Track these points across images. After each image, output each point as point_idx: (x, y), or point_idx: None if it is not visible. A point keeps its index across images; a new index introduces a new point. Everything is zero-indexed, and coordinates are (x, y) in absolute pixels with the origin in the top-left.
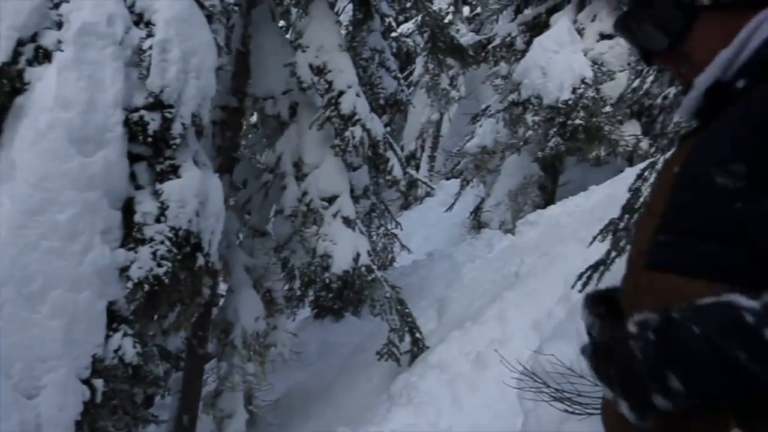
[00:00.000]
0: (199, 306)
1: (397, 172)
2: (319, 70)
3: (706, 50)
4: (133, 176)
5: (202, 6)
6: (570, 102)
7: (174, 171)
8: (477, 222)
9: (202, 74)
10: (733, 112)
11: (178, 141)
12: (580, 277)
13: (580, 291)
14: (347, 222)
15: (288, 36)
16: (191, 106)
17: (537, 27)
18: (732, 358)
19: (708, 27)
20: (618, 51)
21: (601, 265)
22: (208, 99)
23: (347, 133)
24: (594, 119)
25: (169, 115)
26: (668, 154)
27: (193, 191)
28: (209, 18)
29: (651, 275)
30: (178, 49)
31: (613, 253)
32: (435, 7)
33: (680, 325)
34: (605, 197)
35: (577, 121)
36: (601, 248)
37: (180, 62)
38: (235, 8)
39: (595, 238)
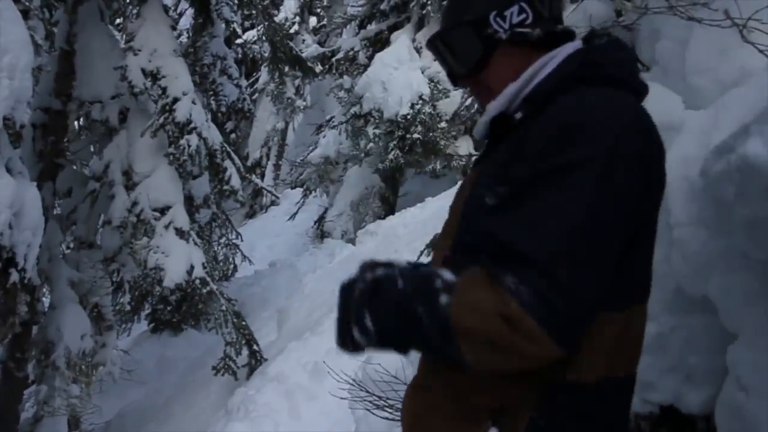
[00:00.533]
0: (14, 326)
1: (235, 182)
2: (152, 75)
3: (499, 80)
4: None
5: (16, 0)
6: (409, 116)
7: None
8: (320, 231)
9: (16, 74)
10: (506, 143)
11: None
12: None
13: None
14: (180, 233)
15: (119, 38)
16: (3, 109)
17: (379, 43)
18: (411, 309)
19: (503, 59)
20: None
21: None
22: (23, 101)
23: (182, 142)
24: (431, 134)
25: None
26: (466, 177)
27: (6, 201)
28: (25, 14)
29: None
30: None
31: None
32: (281, 16)
33: (392, 278)
34: (438, 209)
35: (416, 135)
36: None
37: None
38: (59, 4)
39: (422, 252)
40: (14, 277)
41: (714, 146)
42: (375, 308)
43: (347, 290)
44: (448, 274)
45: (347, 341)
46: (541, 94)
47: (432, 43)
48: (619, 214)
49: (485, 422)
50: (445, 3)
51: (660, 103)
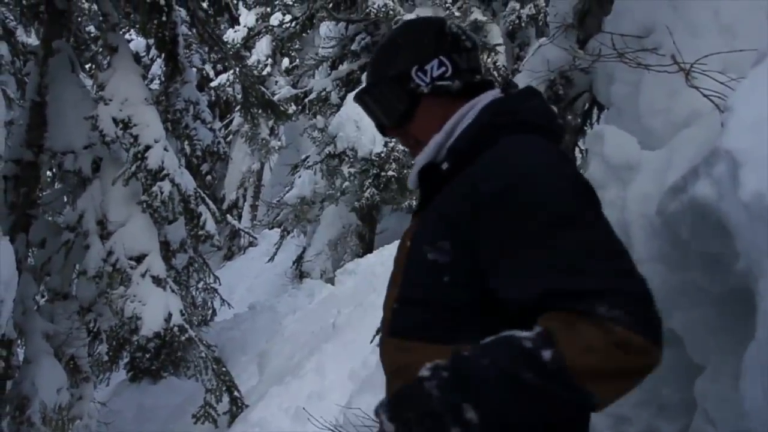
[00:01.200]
0: None
1: (211, 226)
2: (123, 124)
3: (425, 132)
4: None
5: None
6: (382, 154)
7: None
8: (299, 272)
9: None
10: (442, 196)
11: None
12: (377, 332)
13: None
14: (157, 281)
15: (90, 87)
16: None
17: (351, 82)
18: (518, 378)
19: (427, 111)
20: None
21: None
22: None
23: (155, 189)
24: (405, 170)
25: None
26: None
27: None
28: None
29: (392, 342)
30: None
31: None
32: (254, 58)
33: (470, 360)
34: None
35: (390, 173)
36: None
37: None
38: (30, 56)
39: None
40: None
41: (668, 186)
42: (475, 396)
43: (415, 398)
44: (525, 333)
45: None
46: (463, 145)
47: (359, 98)
48: (606, 223)
49: None
50: (369, 59)
51: (617, 143)
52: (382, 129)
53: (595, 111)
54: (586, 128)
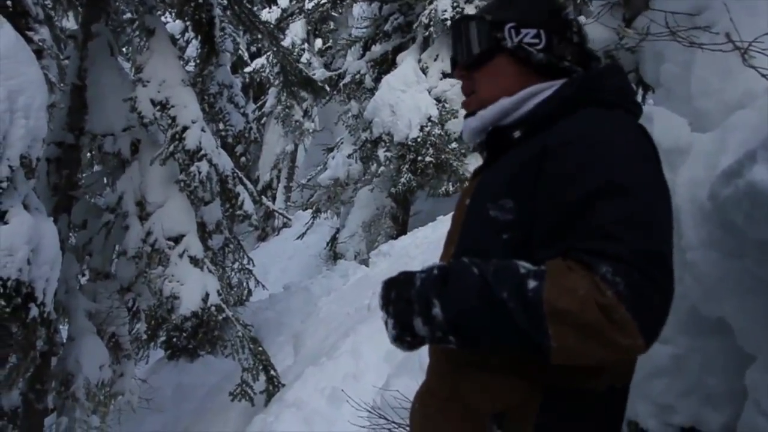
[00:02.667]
0: (35, 359)
1: (248, 206)
2: (161, 105)
3: (488, 88)
4: None
5: (30, 41)
6: (419, 139)
7: (0, 217)
8: (333, 253)
9: (31, 113)
10: (509, 158)
11: (4, 185)
12: None
13: None
14: (195, 261)
15: (129, 70)
16: (20, 148)
17: (384, 63)
18: (493, 293)
19: (499, 68)
20: (459, 89)
21: None
22: (39, 139)
23: (193, 169)
24: (443, 156)
25: None
26: (465, 187)
27: (24, 238)
28: (39, 53)
29: None
30: (2, 88)
31: None
32: (288, 41)
33: (465, 267)
34: None
35: (428, 158)
36: None
37: (5, 102)
38: (70, 40)
39: None
40: (34, 311)
41: (721, 170)
42: (447, 296)
43: (403, 283)
44: (528, 264)
45: (404, 335)
46: (541, 116)
47: (455, 23)
48: (662, 199)
49: (489, 426)
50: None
51: (667, 126)
52: (453, 65)
53: (640, 92)
54: None
